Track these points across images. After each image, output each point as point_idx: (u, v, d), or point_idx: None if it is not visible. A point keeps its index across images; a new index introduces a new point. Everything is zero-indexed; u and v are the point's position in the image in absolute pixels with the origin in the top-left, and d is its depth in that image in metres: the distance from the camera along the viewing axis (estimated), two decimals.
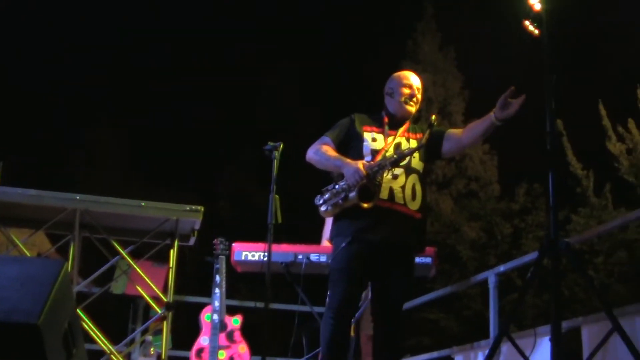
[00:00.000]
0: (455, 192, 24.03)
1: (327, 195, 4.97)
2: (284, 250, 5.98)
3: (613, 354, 4.83)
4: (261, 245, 5.49)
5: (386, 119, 5.23)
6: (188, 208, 4.72)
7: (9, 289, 3.31)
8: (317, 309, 6.28)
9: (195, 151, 27.40)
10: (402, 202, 4.91)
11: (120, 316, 9.99)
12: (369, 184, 4.78)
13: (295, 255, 5.98)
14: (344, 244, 4.83)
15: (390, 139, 5.08)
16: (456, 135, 5.17)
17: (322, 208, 4.99)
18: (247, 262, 6.27)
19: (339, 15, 29.43)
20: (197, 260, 18.36)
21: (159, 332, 6.79)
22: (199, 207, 4.78)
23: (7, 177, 4.91)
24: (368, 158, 4.99)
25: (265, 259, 5.13)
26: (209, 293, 7.69)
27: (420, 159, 5.09)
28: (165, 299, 4.67)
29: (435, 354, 8.32)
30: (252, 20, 30.81)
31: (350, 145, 5.11)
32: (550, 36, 4.42)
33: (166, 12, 31.37)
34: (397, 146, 5.05)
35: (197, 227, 4.82)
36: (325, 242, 6.32)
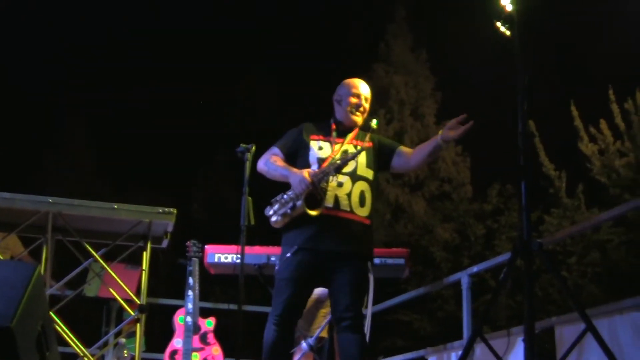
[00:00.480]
0: (427, 193, 24.08)
1: (276, 206, 5.04)
2: (257, 252, 5.98)
3: (587, 354, 4.87)
4: (234, 247, 5.49)
5: (334, 127, 5.29)
6: (161, 210, 4.71)
7: None
8: None
9: (169, 153, 27.31)
10: (347, 209, 4.98)
11: (94, 319, 9.95)
12: (315, 191, 4.85)
13: (268, 257, 5.98)
14: (288, 254, 4.89)
15: (337, 146, 5.15)
16: (407, 154, 5.27)
17: (272, 219, 5.05)
18: (220, 264, 6.26)
19: (311, 19, 29.42)
20: (170, 262, 18.31)
21: (132, 335, 6.77)
22: (172, 210, 4.77)
23: None
24: (314, 166, 5.05)
25: (238, 261, 5.12)
26: (182, 295, 7.67)
27: (369, 166, 5.16)
28: (138, 302, 4.65)
29: (409, 355, 8.34)
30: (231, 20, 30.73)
31: (298, 155, 5.18)
32: (521, 37, 4.44)
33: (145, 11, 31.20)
34: (344, 153, 5.09)
35: (170, 229, 4.81)
36: None
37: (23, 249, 7.13)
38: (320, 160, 5.07)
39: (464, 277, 6.91)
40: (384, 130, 24.22)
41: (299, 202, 4.86)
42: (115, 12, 30.39)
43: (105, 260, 4.97)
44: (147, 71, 28.88)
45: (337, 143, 5.17)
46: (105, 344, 6.28)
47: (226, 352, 7.44)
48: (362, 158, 5.12)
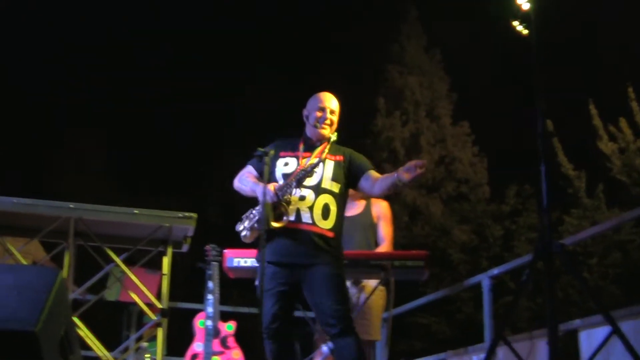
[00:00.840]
0: (444, 195, 24.04)
1: (246, 222, 5.10)
2: None
3: (613, 358, 4.83)
4: (253, 251, 5.47)
5: (301, 143, 5.31)
6: (181, 215, 4.72)
7: (6, 297, 3.31)
8: (310, 314, 6.28)
9: (184, 157, 27.34)
10: (309, 222, 4.98)
11: (114, 323, 9.97)
12: (278, 203, 4.88)
13: None
14: (268, 268, 4.91)
15: (304, 160, 5.16)
16: (373, 179, 5.19)
17: (242, 234, 5.11)
18: (239, 269, 6.24)
19: (321, 20, 29.41)
20: (188, 266, 18.32)
21: (153, 339, 6.78)
22: (192, 214, 4.78)
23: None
24: (281, 182, 5.08)
25: (257, 265, 5.12)
26: (201, 299, 7.68)
27: (336, 179, 5.15)
28: (159, 306, 4.65)
29: (429, 358, 8.32)
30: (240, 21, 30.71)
31: (270, 172, 5.16)
32: (538, 36, 4.42)
33: (164, 13, 31.26)
34: (312, 166, 5.10)
35: (190, 234, 4.81)
36: None
37: (45, 254, 7.17)
38: (285, 176, 5.11)
39: (484, 280, 6.88)
40: (399, 132, 24.20)
41: (259, 208, 4.94)
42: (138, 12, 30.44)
43: (126, 265, 4.97)
44: (162, 73, 28.98)
45: (304, 157, 5.19)
46: (127, 347, 6.30)
47: (246, 355, 7.44)
48: (328, 171, 5.14)
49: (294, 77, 27.05)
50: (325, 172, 5.12)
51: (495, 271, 7.03)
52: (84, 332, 4.53)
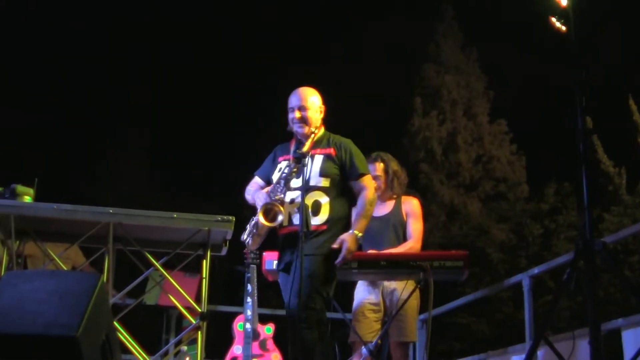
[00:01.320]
0: (483, 194, 23.93)
1: (247, 229, 5.12)
2: None
3: None
4: None
5: (292, 144, 5.34)
6: (220, 218, 4.72)
7: (48, 302, 3.34)
8: (349, 316, 6.27)
9: (219, 160, 27.42)
10: (299, 222, 4.96)
11: (153, 327, 10.02)
12: (271, 204, 4.92)
13: None
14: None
15: (298, 164, 5.13)
16: (355, 190, 5.23)
17: (247, 241, 5.14)
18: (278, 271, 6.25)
19: (357, 21, 29.37)
20: (227, 270, 18.38)
21: (193, 342, 6.80)
22: (230, 218, 4.78)
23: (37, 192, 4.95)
24: None
25: None
26: (240, 302, 7.69)
27: (324, 174, 5.14)
28: (199, 309, 4.66)
29: (469, 359, 8.27)
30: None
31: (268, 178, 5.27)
32: (578, 32, 4.37)
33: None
34: (294, 164, 5.13)
35: (229, 237, 4.82)
36: None
37: (84, 259, 7.21)
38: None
39: (524, 279, 6.82)
40: (436, 131, 24.10)
41: (255, 217, 4.96)
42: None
43: (165, 269, 4.99)
44: (189, 73, 29.11)
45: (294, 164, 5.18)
46: (167, 351, 6.32)
47: (285, 358, 7.44)
48: (316, 167, 5.14)
49: (326, 78, 27.11)
50: (313, 168, 5.12)
51: (535, 270, 6.97)
52: (124, 336, 4.55)
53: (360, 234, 5.02)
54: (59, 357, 3.29)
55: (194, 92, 28.94)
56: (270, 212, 4.91)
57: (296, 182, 5.07)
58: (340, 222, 5.14)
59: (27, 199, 4.76)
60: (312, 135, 5.22)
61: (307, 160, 5.07)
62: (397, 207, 6.31)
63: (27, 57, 27.72)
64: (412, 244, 6.15)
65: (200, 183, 26.82)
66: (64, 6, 26.12)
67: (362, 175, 5.18)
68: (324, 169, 5.13)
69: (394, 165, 6.32)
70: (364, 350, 5.97)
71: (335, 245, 4.90)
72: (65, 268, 5.14)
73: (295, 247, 4.91)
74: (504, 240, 21.69)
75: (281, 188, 5.00)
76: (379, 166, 6.25)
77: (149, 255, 4.82)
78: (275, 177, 5.17)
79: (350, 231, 5.00)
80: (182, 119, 28.44)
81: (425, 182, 23.77)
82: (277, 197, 4.97)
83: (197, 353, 4.73)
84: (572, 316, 16.74)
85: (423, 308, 6.60)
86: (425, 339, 6.42)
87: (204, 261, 4.77)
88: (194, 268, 5.69)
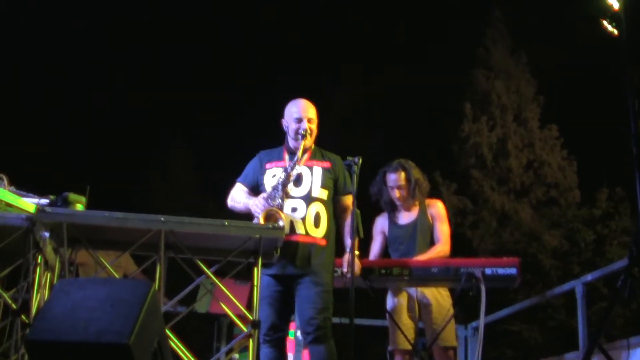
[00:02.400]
0: (534, 199, 23.72)
1: None
2: (366, 265, 5.94)
3: None
4: (340, 260, 5.47)
5: (285, 153, 5.42)
6: (271, 226, 4.73)
7: (100, 310, 3.36)
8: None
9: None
10: (303, 232, 5.14)
11: (204, 335, 10.07)
12: (271, 211, 5.00)
13: (378, 270, 5.94)
14: (265, 278, 5.13)
15: (294, 171, 5.23)
16: (340, 206, 5.38)
17: None
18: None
19: (404, 26, 29.29)
20: None
21: (244, 350, 6.81)
22: (281, 225, 4.80)
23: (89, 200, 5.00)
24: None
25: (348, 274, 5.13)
26: None
27: (324, 186, 5.26)
28: (250, 317, 4.66)
29: None
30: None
31: (259, 184, 5.38)
32: (630, 35, 4.32)
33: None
34: (299, 177, 5.25)
35: (280, 244, 4.82)
36: (372, 258, 6.33)
37: (135, 267, 7.28)
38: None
39: (578, 286, 6.74)
40: (486, 137, 23.96)
41: (255, 221, 5.05)
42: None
43: (216, 277, 5.01)
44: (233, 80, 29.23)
45: (291, 166, 5.25)
46: (218, 359, 6.35)
47: None
48: (317, 178, 5.28)
49: (374, 82, 27.10)
50: (314, 179, 5.27)
51: (589, 277, 6.88)
52: (175, 344, 4.57)
53: (358, 253, 5.22)
54: None
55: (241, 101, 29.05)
56: (271, 217, 4.98)
57: (297, 191, 5.21)
58: (332, 236, 5.29)
59: (79, 207, 4.81)
60: (312, 148, 5.39)
61: (306, 170, 5.27)
62: (422, 212, 6.31)
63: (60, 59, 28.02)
64: (441, 247, 6.14)
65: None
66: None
67: (350, 193, 5.27)
68: (324, 181, 5.27)
69: (416, 173, 6.32)
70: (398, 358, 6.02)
71: (345, 270, 5.18)
72: (117, 276, 5.18)
73: (298, 257, 5.10)
74: (556, 246, 21.50)
75: (279, 194, 5.08)
76: (401, 175, 6.26)
77: (200, 263, 4.84)
78: (268, 183, 5.28)
79: (349, 251, 5.14)
80: (230, 125, 28.61)
81: (476, 188, 23.63)
82: (275, 203, 5.04)
83: None
84: (627, 323, 16.53)
85: (473, 315, 6.56)
86: (477, 347, 6.38)
87: (255, 269, 4.77)
88: (245, 276, 5.70)
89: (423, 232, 6.23)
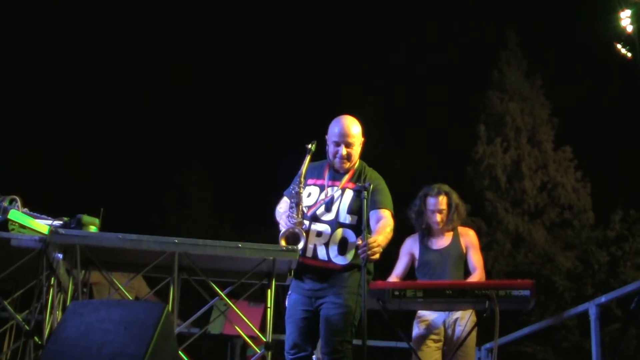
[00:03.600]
0: (548, 221, 23.62)
1: None
2: (380, 287, 5.93)
3: None
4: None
5: (326, 170, 5.33)
6: (285, 248, 4.73)
7: (114, 332, 3.37)
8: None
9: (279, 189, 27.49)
10: (325, 259, 5.04)
11: (217, 356, 10.06)
12: (292, 230, 4.98)
13: (392, 292, 5.92)
14: (289, 294, 5.14)
15: (329, 190, 5.18)
16: (376, 221, 5.09)
17: None
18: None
19: (416, 49, 29.32)
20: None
21: None
22: (295, 247, 4.79)
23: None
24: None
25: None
26: None
27: (351, 211, 5.10)
28: (264, 339, 4.67)
29: None
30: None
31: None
32: None
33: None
34: (331, 201, 5.14)
35: (293, 266, 4.82)
36: (394, 278, 6.30)
37: (148, 289, 7.29)
38: (306, 208, 5.15)
39: (591, 308, 6.71)
40: (500, 158, 23.94)
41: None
42: None
43: (229, 298, 5.01)
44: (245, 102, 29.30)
45: (329, 186, 5.21)
46: None
47: None
48: (345, 203, 5.13)
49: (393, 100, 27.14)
50: (342, 204, 5.12)
51: (602, 299, 6.85)
52: None
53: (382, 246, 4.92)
54: None
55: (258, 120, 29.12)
56: (291, 238, 4.95)
57: (326, 216, 5.11)
58: (358, 264, 5.07)
59: (93, 228, 4.82)
60: (354, 168, 5.27)
61: (338, 192, 5.16)
62: (456, 239, 6.31)
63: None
64: (480, 275, 6.15)
65: (266, 213, 26.88)
66: None
67: (384, 208, 5.11)
68: (352, 205, 5.12)
69: (456, 198, 6.34)
70: None
71: (359, 242, 4.83)
72: (130, 297, 5.19)
73: (319, 281, 5.03)
74: (570, 267, 21.44)
75: (294, 214, 5.02)
76: (443, 200, 6.28)
77: (213, 285, 4.85)
78: (305, 200, 5.15)
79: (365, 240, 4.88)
80: (247, 149, 28.65)
81: (490, 210, 23.57)
82: (296, 221, 4.99)
83: None
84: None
85: (487, 337, 6.54)
86: None
87: (269, 290, 4.78)
88: (259, 297, 5.70)
89: (455, 260, 6.23)
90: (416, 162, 23.15)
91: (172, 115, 29.32)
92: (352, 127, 5.24)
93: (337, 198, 5.14)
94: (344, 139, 5.19)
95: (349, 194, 5.14)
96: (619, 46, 4.32)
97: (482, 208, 23.49)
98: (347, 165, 5.23)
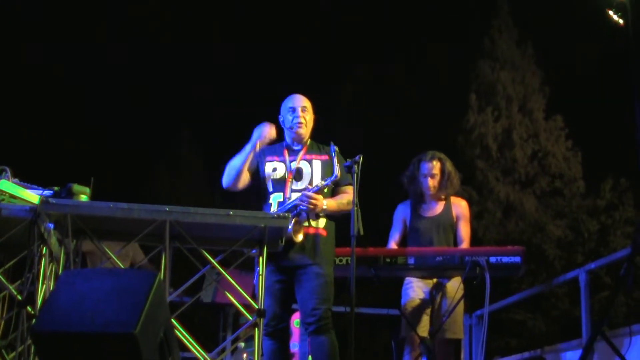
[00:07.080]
0: (538, 190, 23.67)
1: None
2: (372, 254, 5.94)
3: None
4: (347, 249, 5.48)
5: (285, 150, 5.47)
6: (276, 215, 4.75)
7: (106, 301, 3.39)
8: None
9: None
10: (306, 224, 5.18)
11: (210, 324, 10.10)
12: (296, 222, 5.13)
13: (383, 259, 5.94)
14: (268, 268, 5.09)
15: (293, 164, 5.36)
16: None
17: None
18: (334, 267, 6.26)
19: (412, 18, 29.16)
20: None
21: (250, 339, 6.84)
22: (286, 214, 4.81)
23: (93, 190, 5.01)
24: (269, 183, 5.36)
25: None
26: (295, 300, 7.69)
27: (324, 178, 5.24)
28: (256, 306, 4.69)
29: (526, 354, 8.22)
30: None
31: (257, 170, 5.46)
32: (635, 26, 4.32)
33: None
34: (299, 172, 5.33)
35: (284, 234, 4.84)
36: (393, 245, 6.32)
37: (143, 256, 7.29)
38: (276, 182, 5.35)
39: (581, 274, 6.76)
40: (491, 128, 23.94)
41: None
42: None
43: (221, 266, 5.02)
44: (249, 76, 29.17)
45: (291, 162, 5.37)
46: (224, 348, 6.37)
47: (342, 355, 7.44)
48: (317, 172, 5.33)
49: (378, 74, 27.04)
50: (314, 173, 5.33)
51: (592, 265, 6.91)
52: (181, 333, 4.59)
53: (326, 208, 5.18)
54: (117, 355, 3.34)
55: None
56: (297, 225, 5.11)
57: (298, 185, 5.29)
58: (332, 227, 5.35)
59: (84, 198, 4.82)
60: (307, 142, 5.47)
61: (306, 164, 5.37)
62: (447, 208, 6.32)
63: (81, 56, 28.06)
64: (466, 247, 6.16)
65: None
66: None
67: (350, 184, 5.24)
68: (323, 174, 5.30)
69: (449, 166, 6.34)
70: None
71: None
72: (122, 266, 5.20)
73: (302, 248, 5.17)
74: (560, 236, 21.51)
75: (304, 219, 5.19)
76: (436, 165, 6.28)
77: (205, 253, 4.86)
78: (268, 173, 5.39)
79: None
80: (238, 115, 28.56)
81: (480, 179, 23.60)
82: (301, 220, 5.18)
83: (254, 350, 4.75)
84: (629, 313, 16.53)
85: (478, 304, 6.57)
86: (482, 335, 6.41)
87: (261, 258, 4.79)
88: (251, 265, 5.72)
89: (444, 228, 6.25)
90: (407, 132, 23.13)
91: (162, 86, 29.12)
92: (303, 97, 5.52)
93: (306, 168, 5.35)
94: (299, 103, 5.45)
95: (317, 163, 5.37)
96: (610, 13, 4.31)
97: (473, 177, 23.52)
98: (304, 130, 5.43)
